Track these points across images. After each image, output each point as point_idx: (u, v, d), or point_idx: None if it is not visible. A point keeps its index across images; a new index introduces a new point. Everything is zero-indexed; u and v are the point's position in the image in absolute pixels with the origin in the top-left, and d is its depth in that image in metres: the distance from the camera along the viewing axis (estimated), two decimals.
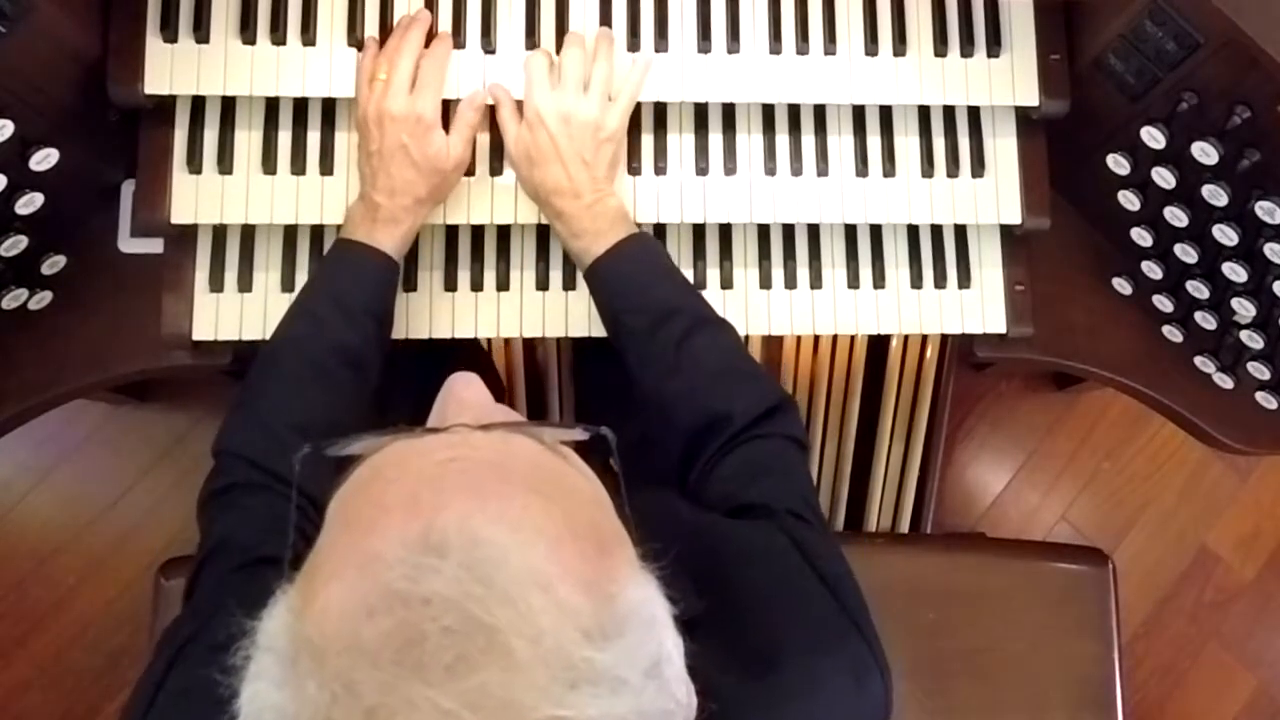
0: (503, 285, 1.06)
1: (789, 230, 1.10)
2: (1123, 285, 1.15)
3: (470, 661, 0.40)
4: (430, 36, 0.99)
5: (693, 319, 0.92)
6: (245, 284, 1.05)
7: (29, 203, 0.94)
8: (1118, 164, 1.05)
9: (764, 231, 1.10)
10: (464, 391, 0.58)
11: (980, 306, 1.11)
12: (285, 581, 0.48)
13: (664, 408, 0.91)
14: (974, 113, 1.09)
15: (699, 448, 0.87)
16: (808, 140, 1.06)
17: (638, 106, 1.02)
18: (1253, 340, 1.05)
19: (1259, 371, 1.08)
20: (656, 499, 0.80)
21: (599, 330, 1.06)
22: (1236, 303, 1.02)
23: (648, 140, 1.05)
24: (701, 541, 0.70)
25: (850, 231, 1.11)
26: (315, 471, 0.83)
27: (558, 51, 0.99)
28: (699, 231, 1.10)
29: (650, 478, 1.09)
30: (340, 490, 0.51)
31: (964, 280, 1.11)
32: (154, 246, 1.06)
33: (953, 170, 1.08)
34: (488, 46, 1.00)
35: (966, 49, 1.05)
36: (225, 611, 0.65)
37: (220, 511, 0.82)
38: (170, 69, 0.98)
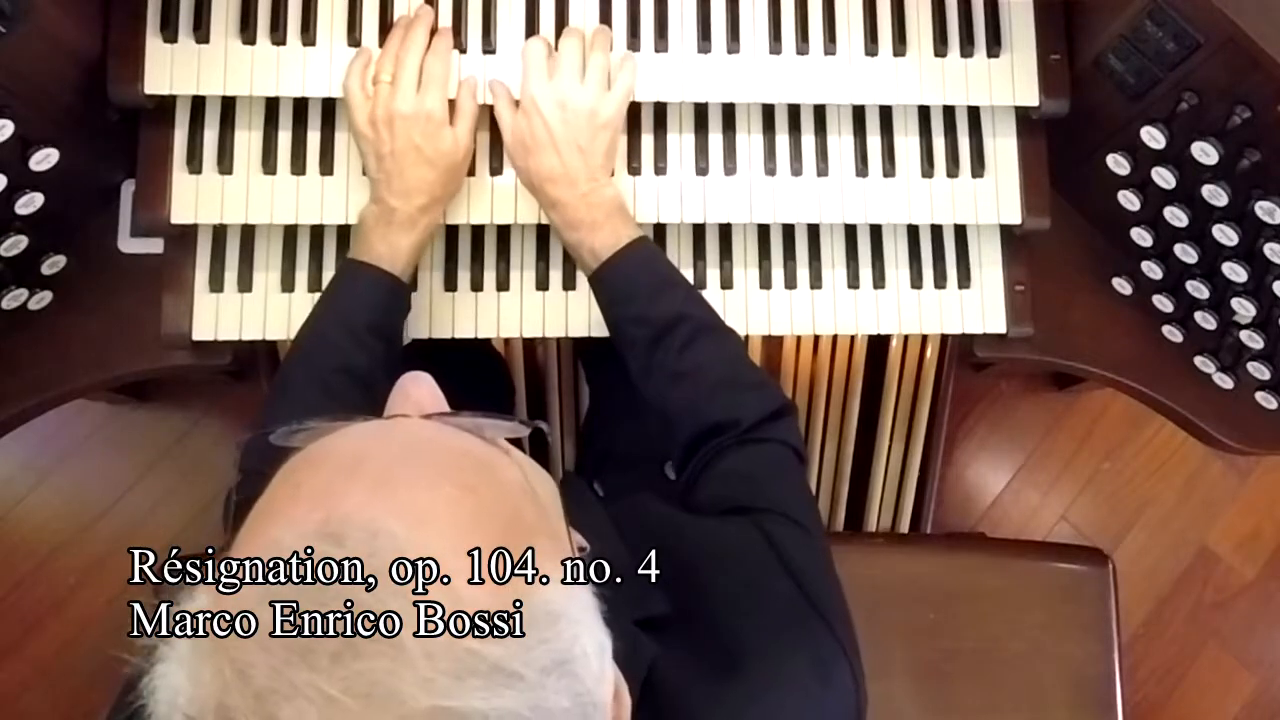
0: (503, 285, 1.06)
1: (789, 230, 1.10)
2: (1123, 285, 1.15)
3: (356, 649, 0.40)
4: (431, 33, 0.98)
5: (694, 329, 0.91)
6: (245, 284, 1.05)
7: (29, 203, 0.94)
8: (1118, 164, 1.05)
9: (764, 231, 1.10)
10: (412, 388, 0.58)
11: (980, 306, 1.11)
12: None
13: (666, 418, 0.90)
14: (974, 113, 1.09)
15: (695, 454, 0.86)
16: (808, 140, 1.06)
17: (638, 106, 1.03)
18: (1253, 340, 1.05)
19: (1259, 371, 1.08)
20: (632, 502, 0.80)
21: (599, 330, 1.06)
22: (1236, 303, 1.02)
23: (648, 140, 1.05)
24: (677, 542, 0.70)
25: (850, 231, 1.11)
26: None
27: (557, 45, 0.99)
28: (699, 231, 1.10)
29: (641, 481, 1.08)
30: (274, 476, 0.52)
31: (964, 280, 1.11)
32: (154, 246, 1.06)
33: (953, 170, 1.08)
34: (488, 47, 1.00)
35: (966, 49, 1.05)
36: None
37: None
38: (170, 69, 0.98)
